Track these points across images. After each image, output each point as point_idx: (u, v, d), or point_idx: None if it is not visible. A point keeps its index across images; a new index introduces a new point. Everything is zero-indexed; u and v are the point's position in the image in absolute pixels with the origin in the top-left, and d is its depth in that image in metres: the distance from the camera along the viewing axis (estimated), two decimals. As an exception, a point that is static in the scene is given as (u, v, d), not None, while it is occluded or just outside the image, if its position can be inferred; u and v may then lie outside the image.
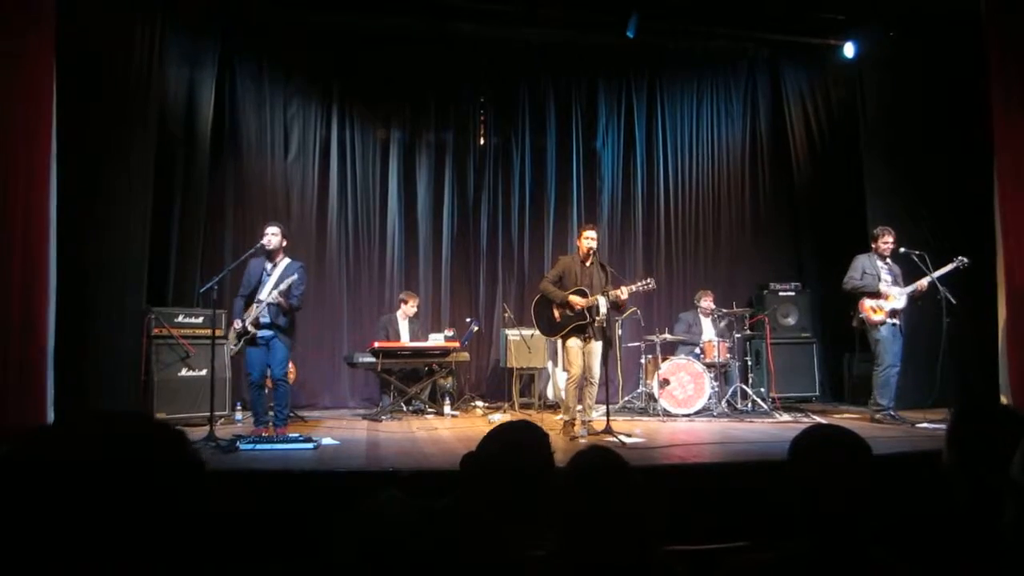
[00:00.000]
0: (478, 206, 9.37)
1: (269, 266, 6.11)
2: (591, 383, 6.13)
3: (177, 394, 6.70)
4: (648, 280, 6.40)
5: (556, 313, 6.18)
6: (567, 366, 6.24)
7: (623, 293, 6.02)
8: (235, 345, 6.12)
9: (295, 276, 5.94)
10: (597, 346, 6.12)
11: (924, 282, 6.68)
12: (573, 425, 6.05)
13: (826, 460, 1.61)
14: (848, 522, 1.52)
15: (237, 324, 6.01)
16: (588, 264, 6.20)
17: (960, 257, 6.68)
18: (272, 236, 6.05)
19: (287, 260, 6.15)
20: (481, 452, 1.92)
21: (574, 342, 6.10)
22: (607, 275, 6.18)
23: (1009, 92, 6.51)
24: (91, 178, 6.24)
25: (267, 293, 5.96)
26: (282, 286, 5.85)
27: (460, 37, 8.71)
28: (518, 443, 1.92)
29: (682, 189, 9.82)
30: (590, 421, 6.10)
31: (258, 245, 6.05)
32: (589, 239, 6.20)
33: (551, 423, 6.77)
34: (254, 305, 6.00)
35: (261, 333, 5.98)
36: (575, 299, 6.02)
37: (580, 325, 6.06)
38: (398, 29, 8.67)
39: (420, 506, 1.35)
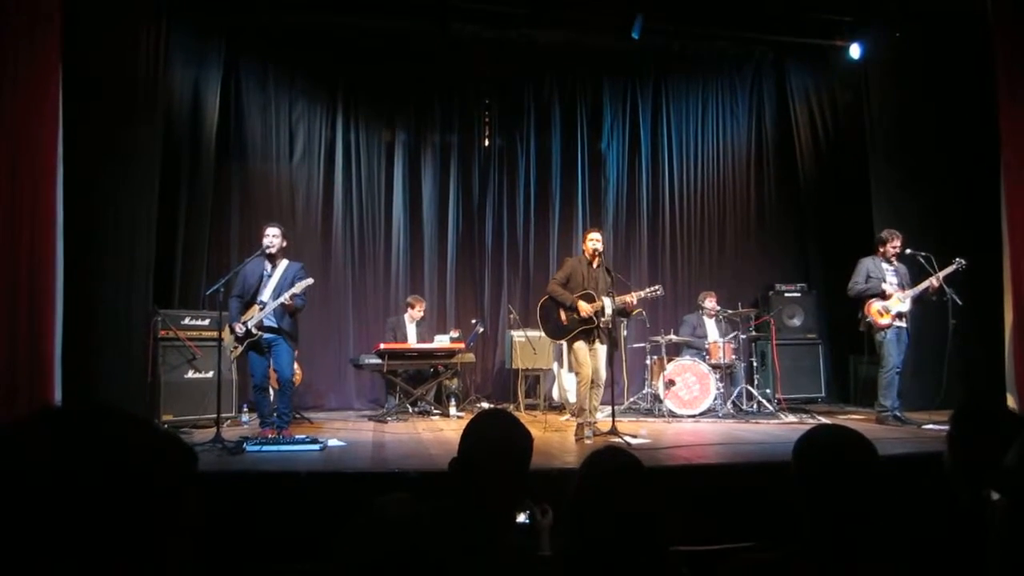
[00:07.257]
0: (483, 207, 9.38)
1: (269, 267, 6.06)
2: (597, 385, 6.13)
3: (183, 396, 6.70)
4: (656, 287, 6.56)
5: (563, 316, 6.18)
6: (577, 368, 6.23)
7: (633, 300, 6.15)
8: (233, 349, 6.02)
9: (310, 280, 5.97)
10: (602, 349, 6.12)
11: (932, 282, 6.66)
12: (584, 427, 6.05)
13: (830, 460, 1.61)
14: (852, 522, 1.52)
15: (238, 328, 5.89)
16: (595, 267, 6.23)
17: (958, 259, 6.68)
18: (273, 238, 5.98)
19: (286, 261, 6.11)
20: (462, 451, 1.91)
21: (581, 344, 6.10)
22: (612, 278, 6.19)
23: (1015, 93, 6.47)
24: (97, 181, 6.25)
25: (270, 294, 5.94)
26: (296, 289, 5.82)
27: (465, 39, 8.70)
28: (493, 434, 1.91)
29: (687, 190, 9.80)
30: (595, 423, 6.09)
31: (262, 249, 6.00)
32: (594, 241, 6.23)
33: (557, 424, 6.79)
34: (256, 306, 5.95)
35: (265, 336, 5.94)
36: (583, 305, 6.03)
37: (587, 329, 6.09)
38: (403, 31, 8.68)
39: (428, 508, 1.34)
